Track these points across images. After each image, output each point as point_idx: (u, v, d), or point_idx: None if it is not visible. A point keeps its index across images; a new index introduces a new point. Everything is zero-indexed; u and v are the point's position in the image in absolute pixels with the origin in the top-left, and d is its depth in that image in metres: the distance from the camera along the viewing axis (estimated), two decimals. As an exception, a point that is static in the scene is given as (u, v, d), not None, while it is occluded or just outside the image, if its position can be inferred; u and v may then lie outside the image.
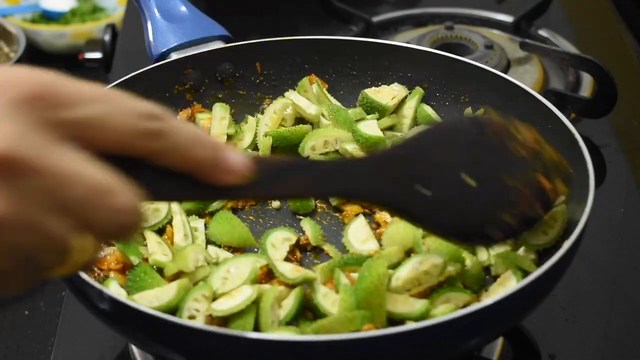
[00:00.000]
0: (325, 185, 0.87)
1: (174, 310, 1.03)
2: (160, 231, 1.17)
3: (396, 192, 0.88)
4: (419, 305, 1.02)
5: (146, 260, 1.11)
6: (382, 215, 1.21)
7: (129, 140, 0.69)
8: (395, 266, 1.10)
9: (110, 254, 1.11)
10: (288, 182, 0.84)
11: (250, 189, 0.80)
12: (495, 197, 0.91)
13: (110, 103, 0.70)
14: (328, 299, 1.05)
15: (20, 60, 1.68)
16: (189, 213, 1.19)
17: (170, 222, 1.17)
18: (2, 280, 0.64)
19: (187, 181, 0.75)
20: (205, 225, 1.20)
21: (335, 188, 0.89)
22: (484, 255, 1.15)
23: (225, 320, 1.03)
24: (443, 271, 1.06)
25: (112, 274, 1.10)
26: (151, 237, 1.14)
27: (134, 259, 1.10)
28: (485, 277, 1.12)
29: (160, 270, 1.10)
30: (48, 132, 0.65)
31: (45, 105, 0.66)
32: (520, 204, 0.93)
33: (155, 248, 1.12)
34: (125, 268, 1.11)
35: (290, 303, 1.05)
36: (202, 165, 0.75)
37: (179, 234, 1.15)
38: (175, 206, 1.17)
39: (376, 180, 0.88)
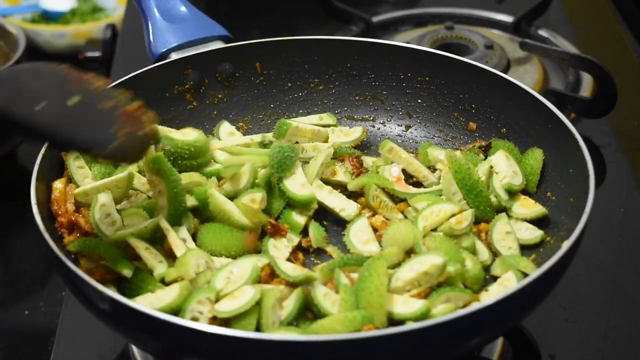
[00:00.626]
0: None
1: (176, 311, 1.03)
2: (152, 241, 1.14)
3: (20, 104, 1.02)
4: (419, 305, 1.02)
5: (150, 273, 1.10)
6: (378, 218, 1.21)
7: None
8: (395, 266, 1.10)
9: (98, 266, 1.08)
10: None
11: None
12: (98, 116, 1.07)
13: None
14: (328, 299, 1.05)
15: (20, 60, 1.68)
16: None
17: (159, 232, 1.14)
18: None
19: None
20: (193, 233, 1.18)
21: None
22: (485, 255, 1.15)
23: (227, 320, 1.03)
24: (443, 271, 1.06)
25: (106, 284, 1.08)
26: (139, 245, 1.10)
27: (127, 272, 1.07)
28: (485, 277, 1.12)
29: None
30: None
31: None
32: (124, 118, 1.08)
33: (151, 260, 1.10)
34: (120, 278, 1.09)
35: (291, 304, 1.05)
36: None
37: (179, 250, 1.12)
38: (164, 223, 1.14)
39: (5, 91, 1.02)
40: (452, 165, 1.20)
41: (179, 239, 1.12)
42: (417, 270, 1.06)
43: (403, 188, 1.23)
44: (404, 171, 1.26)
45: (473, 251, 1.14)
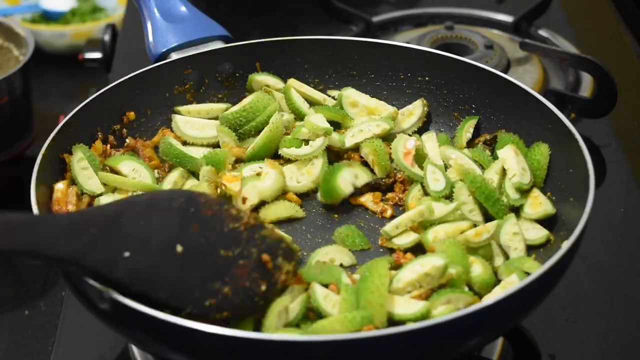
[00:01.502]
0: (7, 241, 0.86)
1: None
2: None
3: (95, 252, 0.88)
4: (419, 306, 1.02)
5: None
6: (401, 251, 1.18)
7: None
8: (396, 268, 1.10)
9: None
10: None
11: None
12: (208, 268, 0.94)
13: None
14: (329, 301, 1.05)
15: (28, 63, 1.67)
16: None
17: None
18: None
19: None
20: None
21: (16, 246, 0.86)
22: (500, 260, 1.14)
23: (227, 320, 1.04)
24: (444, 273, 1.05)
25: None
26: None
27: None
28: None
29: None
30: None
31: None
32: (237, 275, 0.96)
33: None
34: None
35: (296, 308, 1.05)
36: None
37: None
38: None
39: (72, 239, 0.88)
40: (465, 179, 1.19)
41: None
42: (418, 271, 1.06)
43: (408, 163, 1.23)
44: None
45: (489, 257, 1.13)
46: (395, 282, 1.06)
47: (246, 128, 1.29)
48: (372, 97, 1.36)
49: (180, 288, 0.93)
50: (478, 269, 1.09)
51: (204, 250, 0.94)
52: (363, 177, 1.24)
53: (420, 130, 1.34)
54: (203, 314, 0.94)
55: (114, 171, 1.23)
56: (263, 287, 0.98)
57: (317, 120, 1.27)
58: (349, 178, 1.23)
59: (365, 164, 1.29)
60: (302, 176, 1.26)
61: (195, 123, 1.31)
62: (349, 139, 1.28)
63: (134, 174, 1.23)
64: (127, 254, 0.90)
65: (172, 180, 1.23)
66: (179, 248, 0.93)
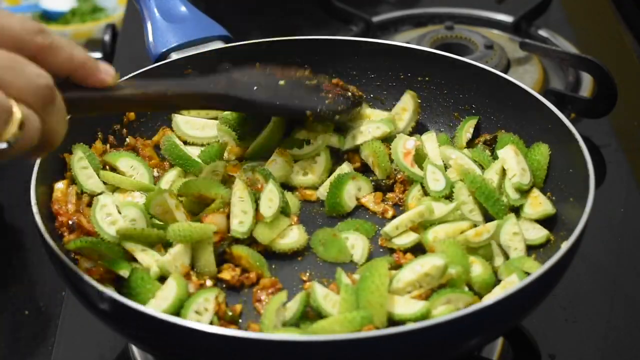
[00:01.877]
0: (188, 85, 1.18)
1: (182, 304, 1.04)
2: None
3: (235, 89, 1.19)
4: (419, 306, 1.02)
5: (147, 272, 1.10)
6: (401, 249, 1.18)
7: (23, 36, 0.87)
8: (396, 268, 1.10)
9: (97, 265, 1.08)
10: (151, 85, 1.10)
11: (119, 90, 1.01)
12: (307, 89, 1.27)
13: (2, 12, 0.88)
14: (329, 301, 1.05)
15: None
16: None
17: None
18: None
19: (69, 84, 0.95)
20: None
21: (194, 87, 1.17)
22: (500, 260, 1.14)
23: (229, 320, 1.04)
24: (444, 273, 1.05)
25: (105, 284, 1.07)
26: (135, 249, 1.11)
27: (124, 272, 1.07)
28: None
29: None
30: None
31: None
32: (329, 90, 1.28)
33: (147, 260, 1.10)
34: (118, 277, 1.08)
35: (294, 306, 1.05)
36: (82, 65, 0.94)
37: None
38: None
39: (217, 83, 1.18)
40: (465, 179, 1.19)
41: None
42: (418, 271, 1.06)
43: (408, 163, 1.23)
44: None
45: (489, 257, 1.13)
46: (395, 282, 1.06)
47: (246, 127, 1.29)
48: (372, 97, 1.37)
49: (300, 101, 1.24)
50: (478, 269, 1.09)
51: (295, 82, 1.27)
52: (365, 188, 1.25)
53: (420, 130, 1.34)
54: (323, 116, 1.25)
55: (112, 168, 1.23)
56: (349, 93, 1.30)
57: None
58: (353, 192, 1.24)
59: (365, 165, 1.29)
60: (306, 175, 1.26)
61: (195, 123, 1.31)
62: (349, 141, 1.29)
63: (132, 171, 1.23)
64: (254, 88, 1.21)
65: (170, 179, 1.23)
66: (281, 82, 1.25)
